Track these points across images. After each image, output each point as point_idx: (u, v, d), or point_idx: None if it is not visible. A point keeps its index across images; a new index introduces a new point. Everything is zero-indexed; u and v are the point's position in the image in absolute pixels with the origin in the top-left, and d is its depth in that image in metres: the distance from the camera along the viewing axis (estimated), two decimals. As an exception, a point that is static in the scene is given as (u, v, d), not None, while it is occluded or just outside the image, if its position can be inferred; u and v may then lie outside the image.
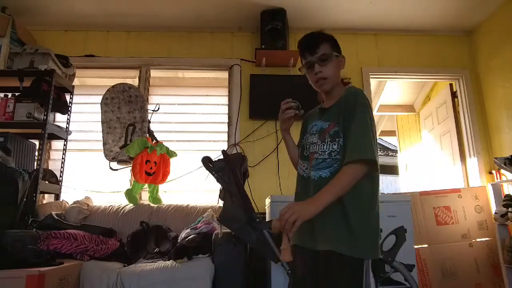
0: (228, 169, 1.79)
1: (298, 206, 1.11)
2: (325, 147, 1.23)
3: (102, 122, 3.01)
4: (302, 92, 3.57)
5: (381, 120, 5.39)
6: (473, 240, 2.77)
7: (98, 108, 3.04)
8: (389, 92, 4.41)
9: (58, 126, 2.83)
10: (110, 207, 2.70)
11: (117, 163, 2.97)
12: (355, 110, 1.19)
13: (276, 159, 3.12)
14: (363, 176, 1.14)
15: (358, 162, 1.13)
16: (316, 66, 1.28)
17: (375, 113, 4.21)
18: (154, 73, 3.40)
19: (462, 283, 2.65)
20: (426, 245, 2.72)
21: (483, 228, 2.80)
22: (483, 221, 2.82)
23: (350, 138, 1.17)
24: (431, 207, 2.81)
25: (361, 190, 1.16)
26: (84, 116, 3.22)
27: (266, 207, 2.43)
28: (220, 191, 1.94)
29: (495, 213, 2.71)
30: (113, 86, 3.09)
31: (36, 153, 2.68)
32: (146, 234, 2.43)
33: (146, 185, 2.91)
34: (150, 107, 3.16)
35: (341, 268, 1.12)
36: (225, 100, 3.35)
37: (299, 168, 1.38)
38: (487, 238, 2.77)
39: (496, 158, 2.82)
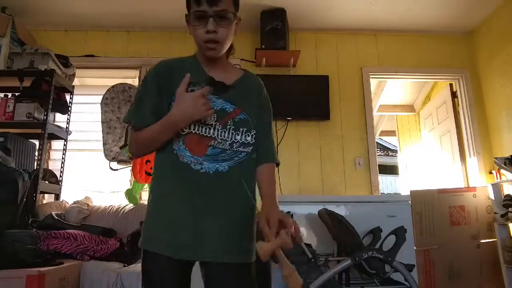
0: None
1: (281, 213, 0.93)
2: (226, 135, 1.00)
3: (102, 122, 3.01)
4: (303, 92, 3.57)
5: (381, 120, 5.38)
6: (481, 241, 2.71)
7: (98, 108, 3.04)
8: (389, 92, 4.41)
9: (58, 126, 2.83)
10: (110, 207, 2.71)
11: (117, 163, 2.97)
12: (269, 111, 1.14)
13: (276, 159, 3.12)
14: None
15: (273, 163, 1.09)
16: (211, 22, 0.98)
17: (375, 113, 4.20)
18: (154, 73, 3.39)
19: (465, 283, 2.63)
20: (436, 246, 2.60)
21: (491, 229, 2.74)
22: (492, 221, 2.75)
23: (269, 138, 1.11)
24: (447, 206, 2.69)
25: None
26: (84, 116, 3.22)
27: (266, 207, 2.42)
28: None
29: (495, 213, 2.71)
30: (113, 86, 3.09)
31: (36, 153, 2.68)
32: (146, 234, 2.43)
33: (146, 185, 2.91)
34: (150, 107, 3.15)
35: (248, 276, 1.01)
36: (225, 100, 3.34)
37: (175, 147, 0.99)
38: (494, 239, 2.72)
39: (496, 158, 2.82)
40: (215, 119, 1.00)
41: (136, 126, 1.01)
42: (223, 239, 0.97)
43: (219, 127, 1.00)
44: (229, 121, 1.01)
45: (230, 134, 1.01)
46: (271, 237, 0.84)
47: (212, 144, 0.99)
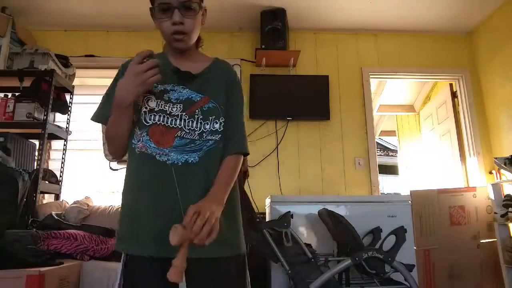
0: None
1: (209, 207, 0.83)
2: (194, 125, 0.97)
3: (102, 122, 3.01)
4: (303, 92, 3.58)
5: (381, 120, 5.39)
6: (481, 241, 2.71)
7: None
8: (389, 92, 4.41)
9: (58, 126, 2.83)
10: (110, 207, 2.70)
11: (117, 163, 2.96)
12: (238, 97, 1.08)
13: (276, 159, 3.12)
14: None
15: (239, 154, 1.03)
16: (176, 14, 0.96)
17: (375, 113, 4.21)
18: (154, 73, 3.39)
19: (464, 283, 2.63)
20: (436, 246, 2.62)
21: (491, 229, 2.74)
22: (492, 221, 2.75)
23: (235, 127, 1.04)
24: (447, 207, 2.70)
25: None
26: (84, 116, 3.22)
27: (266, 207, 2.43)
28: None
29: (495, 213, 2.71)
30: (113, 86, 3.09)
31: (36, 153, 2.68)
32: (146, 234, 2.43)
33: (146, 185, 2.90)
34: (150, 107, 3.15)
35: (230, 271, 0.98)
36: (225, 100, 3.34)
37: (137, 144, 0.98)
38: (494, 240, 2.72)
39: (496, 158, 2.81)
40: (181, 109, 0.98)
41: (97, 122, 1.05)
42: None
43: (186, 117, 0.97)
44: (196, 110, 0.98)
45: (199, 123, 0.98)
46: (187, 227, 0.80)
47: (179, 135, 0.96)
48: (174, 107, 0.97)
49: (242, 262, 1.03)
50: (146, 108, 0.98)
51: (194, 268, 0.87)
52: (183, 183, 0.93)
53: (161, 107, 0.98)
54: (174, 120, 0.97)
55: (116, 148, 1.04)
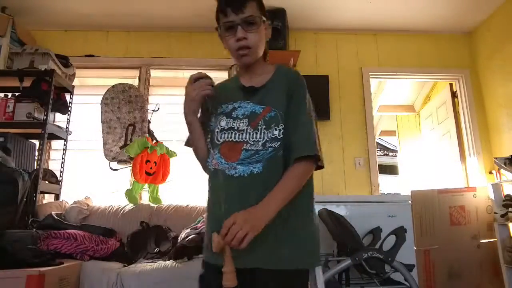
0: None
1: (246, 216, 0.86)
2: (258, 136, 0.99)
3: (102, 122, 3.02)
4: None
5: (381, 120, 5.39)
6: (481, 241, 2.71)
7: (98, 108, 3.04)
8: (389, 92, 4.41)
9: (58, 126, 2.83)
10: (110, 207, 2.70)
11: (117, 163, 2.97)
12: (301, 98, 1.03)
13: (276, 159, 3.11)
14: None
15: (310, 158, 0.97)
16: (239, 30, 1.01)
17: (375, 113, 4.20)
18: (154, 73, 3.40)
19: (464, 283, 2.63)
20: (436, 246, 2.61)
21: (491, 229, 2.74)
22: (492, 221, 2.75)
23: (298, 130, 0.99)
24: (447, 207, 2.69)
25: (303, 190, 0.98)
26: (84, 116, 3.22)
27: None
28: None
29: (495, 213, 2.71)
30: (113, 86, 3.09)
31: (36, 153, 2.68)
32: (146, 234, 2.43)
33: (146, 185, 2.91)
34: (150, 107, 3.15)
35: (287, 285, 0.94)
36: (225, 100, 3.35)
37: (211, 162, 1.05)
38: (494, 240, 2.72)
39: (496, 158, 2.82)
40: (247, 123, 1.01)
41: (186, 146, 1.16)
42: (257, 245, 0.89)
43: (250, 130, 1.00)
44: (259, 122, 1.00)
45: (262, 133, 0.99)
46: (222, 235, 0.85)
47: (245, 147, 0.99)
48: (241, 123, 1.02)
49: (301, 278, 0.97)
50: (218, 128, 1.04)
51: (248, 278, 0.90)
52: (247, 194, 0.95)
53: (230, 125, 1.03)
54: (240, 134, 1.00)
55: (200, 161, 1.13)
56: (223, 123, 1.04)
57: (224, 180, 0.99)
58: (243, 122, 1.01)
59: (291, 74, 1.09)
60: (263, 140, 0.98)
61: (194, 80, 1.04)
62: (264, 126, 0.99)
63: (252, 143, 0.99)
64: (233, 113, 1.04)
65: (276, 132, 0.99)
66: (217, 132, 1.04)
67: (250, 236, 0.83)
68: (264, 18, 1.08)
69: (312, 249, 1.01)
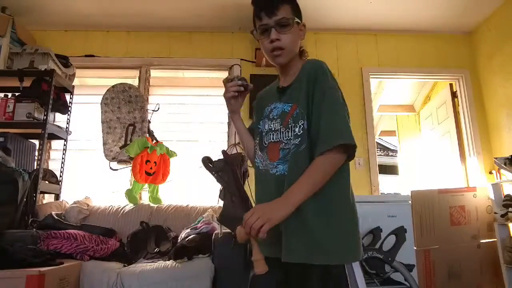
0: (228, 169, 1.79)
1: (265, 208, 0.91)
2: (289, 134, 1.03)
3: (102, 122, 3.01)
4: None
5: (381, 120, 5.39)
6: (481, 241, 2.71)
7: (98, 108, 3.04)
8: (389, 92, 4.40)
9: (58, 126, 2.83)
10: (110, 207, 2.70)
11: (117, 163, 2.97)
12: (322, 87, 1.01)
13: (276, 159, 3.11)
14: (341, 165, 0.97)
15: (334, 149, 0.93)
16: (273, 32, 1.05)
17: (375, 113, 4.20)
18: (154, 73, 3.40)
19: (464, 283, 2.63)
20: (437, 246, 2.60)
21: (491, 229, 2.74)
22: (492, 221, 2.75)
23: (321, 121, 0.97)
24: (448, 206, 2.69)
25: (334, 182, 0.96)
26: (84, 116, 3.22)
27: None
28: (220, 191, 1.94)
29: (495, 213, 2.71)
30: (113, 86, 3.09)
31: (36, 153, 2.68)
32: (146, 234, 2.43)
33: (146, 185, 2.91)
34: (150, 107, 3.15)
35: (320, 281, 0.94)
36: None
37: (258, 161, 1.12)
38: (494, 240, 2.72)
39: (496, 158, 2.82)
40: (280, 123, 1.06)
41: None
42: (296, 238, 0.95)
43: (283, 129, 1.05)
44: (289, 120, 1.04)
45: (291, 131, 1.03)
46: (244, 226, 0.91)
47: (282, 147, 1.04)
48: (276, 123, 1.08)
49: (334, 273, 0.95)
50: (264, 131, 1.13)
51: (278, 269, 0.98)
52: (282, 192, 0.96)
53: (269, 126, 1.10)
54: (277, 134, 1.07)
55: (246, 153, 1.24)
56: (266, 126, 1.12)
57: (268, 179, 1.06)
58: (277, 122, 1.07)
59: (310, 65, 1.09)
60: (292, 137, 1.03)
61: (227, 81, 1.13)
62: (293, 124, 1.03)
63: (286, 141, 1.04)
64: (271, 114, 1.11)
65: (296, 129, 1.02)
66: (264, 135, 1.12)
67: (266, 227, 0.87)
68: (297, 20, 1.09)
69: (348, 244, 0.98)
